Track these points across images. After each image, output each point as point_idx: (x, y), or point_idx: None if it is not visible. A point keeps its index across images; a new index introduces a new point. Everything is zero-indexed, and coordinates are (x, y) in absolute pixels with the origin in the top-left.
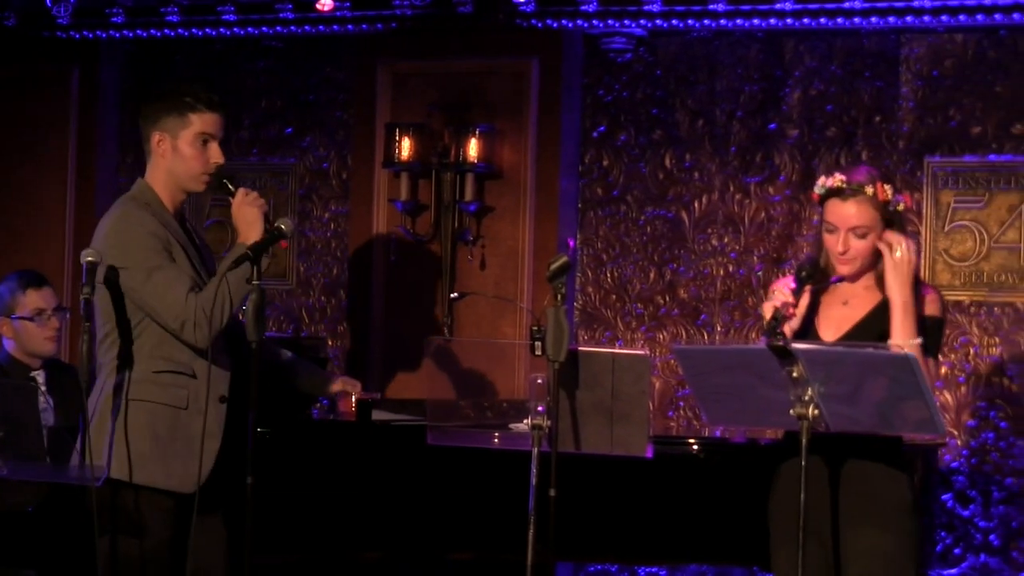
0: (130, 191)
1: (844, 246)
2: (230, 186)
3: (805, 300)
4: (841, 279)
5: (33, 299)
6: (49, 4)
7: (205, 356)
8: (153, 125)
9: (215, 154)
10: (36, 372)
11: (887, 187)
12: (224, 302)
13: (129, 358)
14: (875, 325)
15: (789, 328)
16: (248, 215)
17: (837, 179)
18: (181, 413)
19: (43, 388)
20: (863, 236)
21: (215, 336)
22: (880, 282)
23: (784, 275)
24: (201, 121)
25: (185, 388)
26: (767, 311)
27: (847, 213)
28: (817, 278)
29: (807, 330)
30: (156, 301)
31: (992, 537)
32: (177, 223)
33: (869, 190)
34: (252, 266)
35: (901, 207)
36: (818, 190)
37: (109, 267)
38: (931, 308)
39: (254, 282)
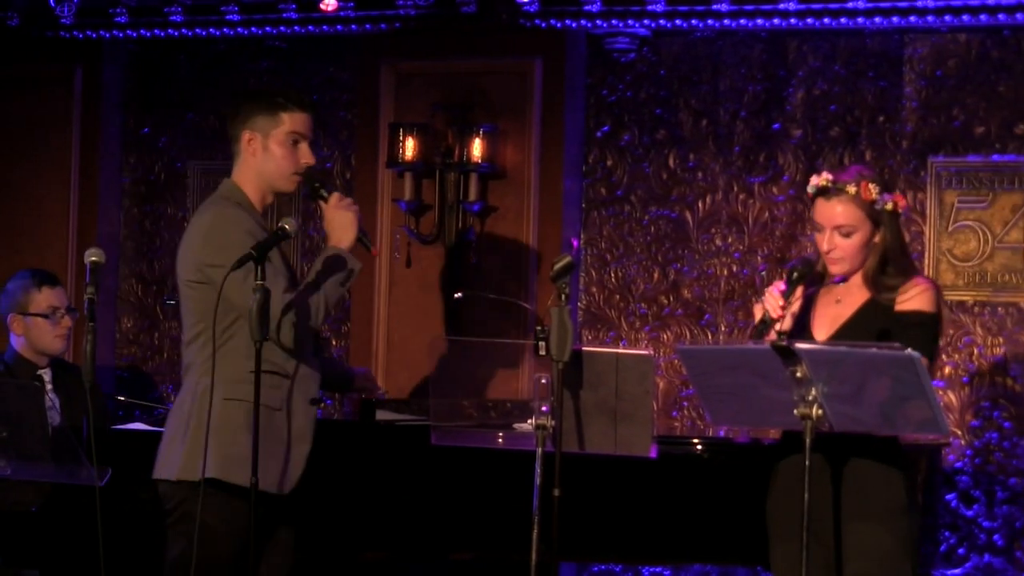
0: (218, 191)
1: (829, 245)
2: (323, 191)
3: (801, 299)
4: (844, 279)
5: (47, 297)
6: (52, 4)
7: (297, 357)
8: (243, 124)
9: (305, 154)
10: (43, 371)
11: (872, 186)
12: (320, 305)
13: (224, 358)
14: (864, 322)
15: (780, 328)
16: (342, 219)
17: (823, 178)
18: (276, 414)
19: (49, 387)
20: (847, 235)
21: (307, 338)
22: (867, 279)
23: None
24: (292, 121)
25: (279, 388)
26: (757, 313)
27: (832, 212)
28: (809, 278)
29: (802, 329)
30: (249, 301)
31: (996, 537)
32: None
33: (852, 189)
34: (256, 266)
35: (890, 207)
36: (809, 190)
37: (206, 266)
38: (919, 302)
39: (257, 282)
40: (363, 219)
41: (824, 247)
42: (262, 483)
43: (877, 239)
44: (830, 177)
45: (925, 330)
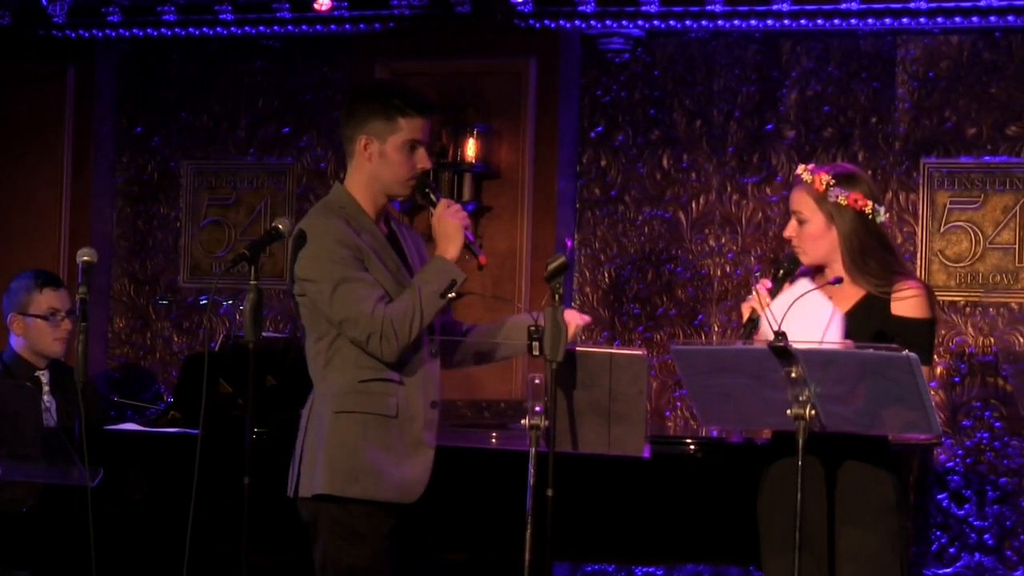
0: (326, 197)
1: (788, 231)
2: (432, 196)
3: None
4: (838, 280)
5: (49, 298)
6: (45, 3)
7: (406, 363)
8: (359, 128)
9: (422, 159)
10: (41, 372)
11: (825, 177)
12: (415, 316)
13: (333, 370)
14: (858, 322)
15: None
16: (448, 228)
17: (799, 167)
18: (390, 422)
19: (46, 388)
20: (802, 223)
21: (404, 349)
22: (846, 271)
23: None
24: (410, 127)
25: (394, 396)
26: (745, 312)
27: (791, 198)
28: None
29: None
30: (343, 314)
31: (987, 536)
32: (379, 227)
33: (806, 177)
34: (250, 266)
35: (843, 201)
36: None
37: (300, 280)
38: (914, 308)
39: (251, 282)
40: (471, 227)
41: (785, 233)
42: (382, 494)
43: (833, 232)
44: (801, 166)
45: (921, 337)
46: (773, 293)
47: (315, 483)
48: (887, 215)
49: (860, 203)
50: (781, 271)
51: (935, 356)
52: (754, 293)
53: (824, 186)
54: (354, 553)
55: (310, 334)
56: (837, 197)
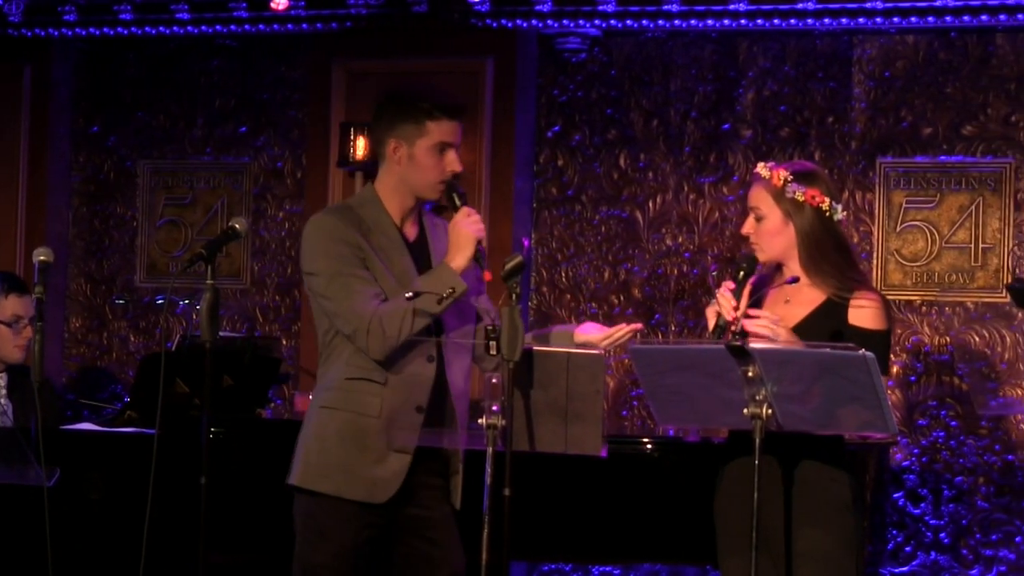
0: (353, 196)
1: (746, 228)
2: (457, 201)
3: (748, 299)
4: (795, 279)
5: (13, 305)
6: (0, 2)
7: (394, 364)
8: (388, 131)
9: (452, 162)
10: None
11: (783, 173)
12: (406, 317)
13: (329, 365)
14: (817, 325)
15: (735, 329)
16: (461, 237)
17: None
18: (371, 421)
19: (4, 391)
20: (759, 219)
21: (392, 348)
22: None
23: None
24: (439, 130)
25: (378, 396)
26: (710, 317)
27: (749, 195)
28: (755, 273)
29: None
30: (335, 307)
31: (942, 535)
32: (406, 229)
33: (764, 173)
34: (207, 266)
35: (800, 197)
36: None
37: (304, 274)
38: (870, 320)
39: (208, 281)
40: (485, 237)
41: (743, 230)
42: (351, 492)
43: (791, 229)
44: (760, 163)
45: (877, 348)
46: (737, 293)
47: (292, 475)
48: (844, 213)
49: (817, 199)
50: (741, 272)
51: (891, 355)
52: (718, 297)
53: (782, 182)
54: (320, 549)
55: (317, 329)
56: (795, 193)
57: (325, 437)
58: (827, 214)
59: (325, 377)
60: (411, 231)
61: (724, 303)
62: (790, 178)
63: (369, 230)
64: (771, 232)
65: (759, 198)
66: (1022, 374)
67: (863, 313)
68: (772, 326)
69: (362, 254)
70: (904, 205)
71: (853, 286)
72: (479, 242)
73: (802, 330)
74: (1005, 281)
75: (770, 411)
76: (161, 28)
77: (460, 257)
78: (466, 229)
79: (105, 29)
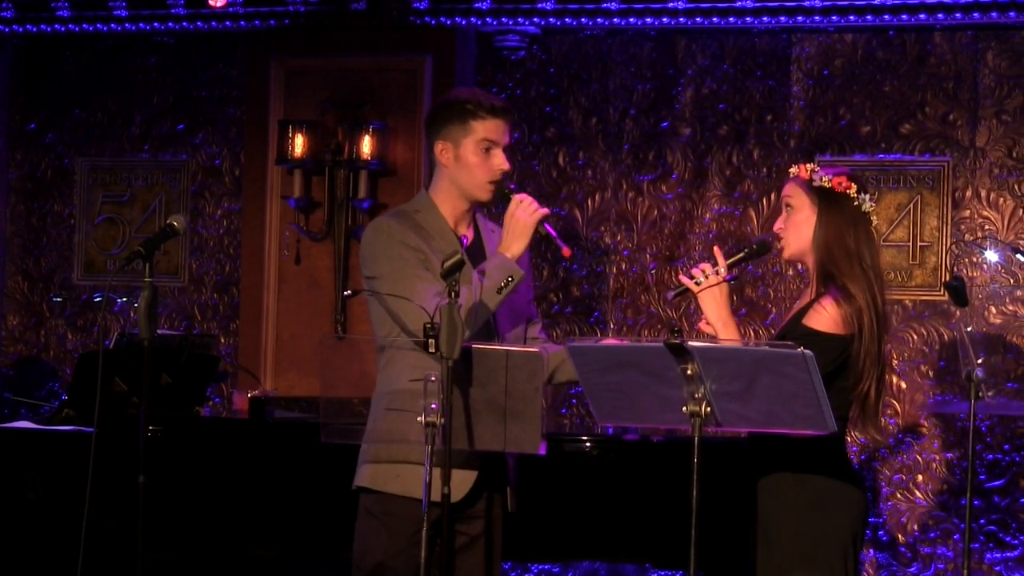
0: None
1: (778, 222)
2: (510, 194)
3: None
4: (734, 278)
5: None
6: None
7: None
8: (436, 135)
9: (499, 161)
10: None
11: (811, 166)
12: (470, 311)
13: (391, 368)
14: (789, 325)
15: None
16: (516, 225)
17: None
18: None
19: None
20: (789, 209)
21: (460, 343)
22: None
23: (679, 272)
24: (484, 128)
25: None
26: (685, 280)
27: (783, 190)
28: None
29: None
30: (401, 307)
31: (880, 533)
32: (462, 233)
33: (793, 170)
34: (145, 264)
35: (826, 183)
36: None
37: (364, 278)
38: (822, 323)
39: (146, 279)
40: (551, 221)
41: (775, 227)
42: (417, 491)
43: (819, 225)
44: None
45: (825, 352)
46: (731, 266)
47: (360, 477)
48: (872, 205)
49: (844, 184)
50: (746, 251)
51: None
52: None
53: (809, 172)
54: (389, 548)
55: (375, 332)
56: (822, 180)
57: (394, 440)
58: (855, 203)
59: (388, 380)
60: (467, 235)
61: (702, 268)
62: (817, 168)
63: (427, 234)
64: (799, 222)
65: (791, 190)
66: (959, 372)
67: (817, 316)
68: (711, 273)
69: (423, 256)
70: None
71: (825, 291)
72: (541, 223)
73: (787, 326)
74: (943, 279)
75: (709, 409)
76: (99, 25)
77: (516, 245)
78: (520, 216)
79: (42, 26)
